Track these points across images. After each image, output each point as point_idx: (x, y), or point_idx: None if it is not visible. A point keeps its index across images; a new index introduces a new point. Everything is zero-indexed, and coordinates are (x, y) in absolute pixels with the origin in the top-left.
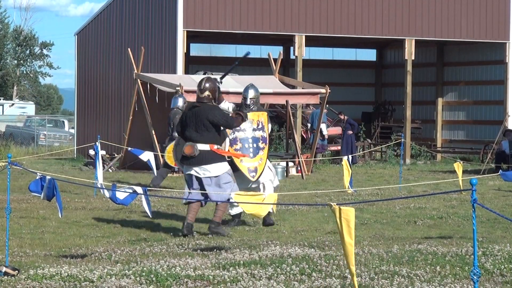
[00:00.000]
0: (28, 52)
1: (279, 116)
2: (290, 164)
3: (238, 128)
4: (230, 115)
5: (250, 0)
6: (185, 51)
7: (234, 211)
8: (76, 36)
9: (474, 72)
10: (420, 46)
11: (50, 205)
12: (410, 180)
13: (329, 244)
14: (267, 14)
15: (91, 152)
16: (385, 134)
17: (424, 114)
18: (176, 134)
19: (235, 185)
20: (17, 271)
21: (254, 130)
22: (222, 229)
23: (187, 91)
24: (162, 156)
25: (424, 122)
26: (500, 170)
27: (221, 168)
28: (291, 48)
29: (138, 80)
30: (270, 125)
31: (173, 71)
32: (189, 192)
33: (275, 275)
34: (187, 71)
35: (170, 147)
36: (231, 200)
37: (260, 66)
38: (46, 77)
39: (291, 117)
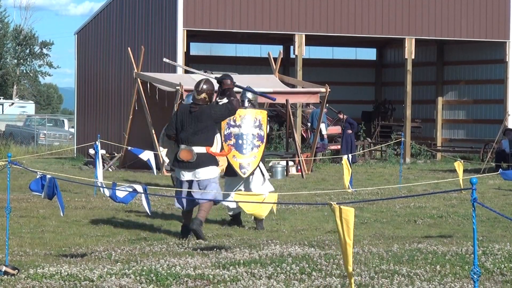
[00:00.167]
0: (28, 51)
1: (279, 115)
2: (290, 163)
3: (233, 123)
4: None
5: (250, 0)
6: (185, 50)
7: (232, 211)
8: (76, 35)
9: (474, 71)
10: (420, 45)
11: (50, 204)
12: (410, 179)
13: (329, 243)
14: (267, 13)
15: (91, 151)
16: (385, 133)
17: (424, 113)
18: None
19: (219, 191)
20: (17, 271)
21: (250, 127)
22: (203, 232)
23: (187, 90)
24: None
25: (424, 121)
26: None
27: (213, 172)
28: (291, 47)
29: (138, 79)
30: (269, 126)
31: (173, 70)
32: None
33: (275, 274)
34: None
35: None
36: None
37: (260, 65)
38: (46, 76)
39: (291, 116)
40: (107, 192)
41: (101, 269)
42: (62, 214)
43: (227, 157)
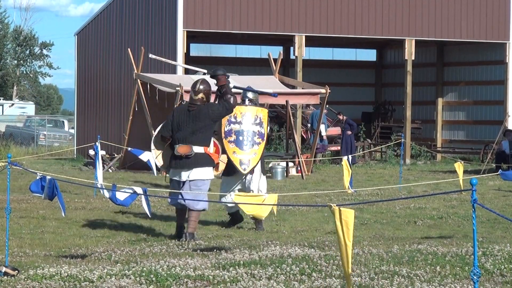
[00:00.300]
0: (28, 52)
1: (279, 116)
2: (290, 164)
3: (234, 120)
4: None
5: (250, 0)
6: (185, 51)
7: (230, 210)
8: (76, 36)
9: (474, 72)
10: (420, 46)
11: (50, 205)
12: (410, 180)
13: (329, 244)
14: (267, 14)
15: (91, 152)
16: (385, 134)
17: (424, 114)
18: None
19: (206, 194)
20: (17, 271)
21: (251, 124)
22: (198, 240)
23: (187, 91)
24: None
25: (424, 122)
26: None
27: (207, 173)
28: (291, 48)
29: (138, 80)
30: (269, 127)
31: (173, 71)
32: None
33: (275, 275)
34: (187, 71)
35: None
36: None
37: (260, 66)
38: (46, 77)
39: (291, 117)
40: (107, 194)
41: (101, 270)
42: (63, 215)
43: (227, 156)
